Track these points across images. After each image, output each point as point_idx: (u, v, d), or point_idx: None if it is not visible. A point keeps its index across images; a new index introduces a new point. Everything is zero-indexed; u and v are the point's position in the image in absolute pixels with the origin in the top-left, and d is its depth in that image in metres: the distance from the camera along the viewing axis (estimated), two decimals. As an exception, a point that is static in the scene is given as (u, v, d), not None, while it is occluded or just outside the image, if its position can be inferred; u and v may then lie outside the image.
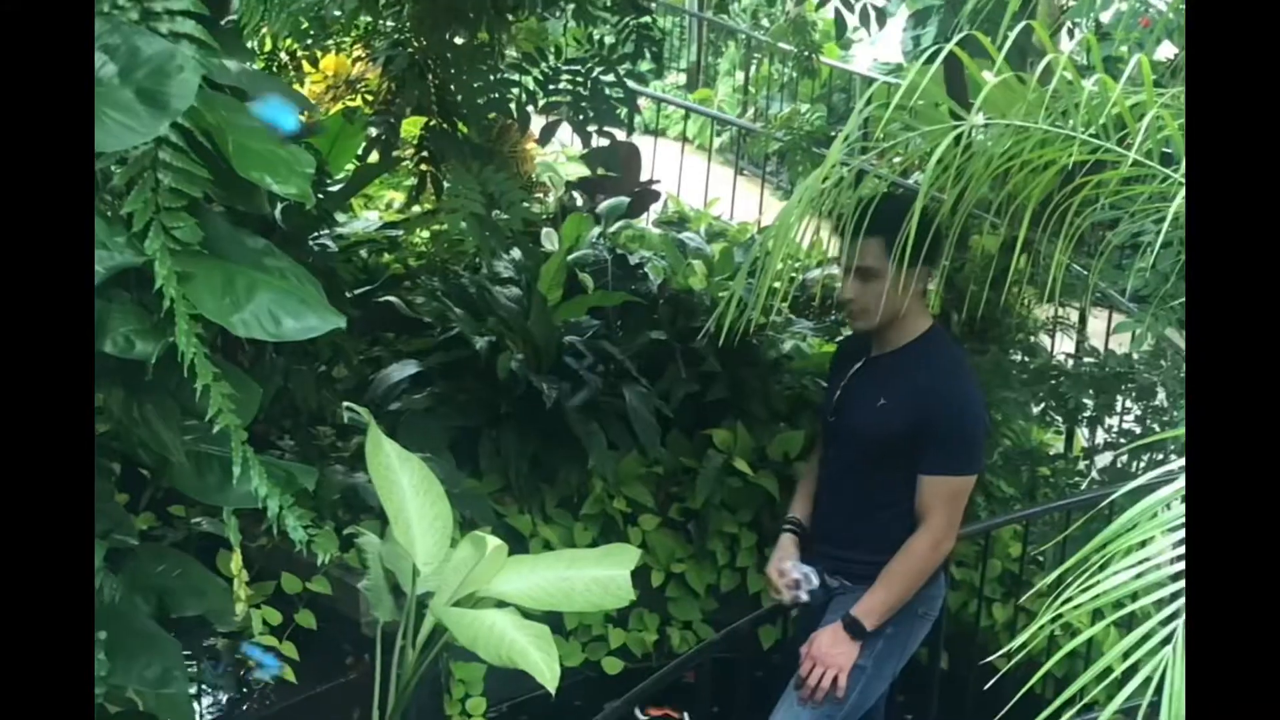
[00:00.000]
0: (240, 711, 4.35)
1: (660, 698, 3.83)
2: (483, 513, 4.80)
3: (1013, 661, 2.19)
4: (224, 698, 4.42)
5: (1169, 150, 2.37)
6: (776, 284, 3.65)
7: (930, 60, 2.37)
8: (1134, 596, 1.86)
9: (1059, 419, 5.86)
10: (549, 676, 2.96)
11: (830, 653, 3.43)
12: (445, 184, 4.97)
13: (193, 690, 4.18)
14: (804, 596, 3.63)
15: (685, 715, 4.87)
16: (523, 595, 3.26)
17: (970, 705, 4.61)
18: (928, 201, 2.63)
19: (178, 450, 2.40)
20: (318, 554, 2.48)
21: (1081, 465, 5.81)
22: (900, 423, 3.42)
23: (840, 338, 6.21)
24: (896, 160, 3.03)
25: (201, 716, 4.25)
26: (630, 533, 5.43)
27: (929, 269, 3.41)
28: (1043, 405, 5.67)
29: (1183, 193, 2.05)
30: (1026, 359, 5.97)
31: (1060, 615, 1.86)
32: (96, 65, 1.95)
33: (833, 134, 7.10)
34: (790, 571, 3.65)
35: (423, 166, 5.16)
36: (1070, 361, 6.02)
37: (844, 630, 3.44)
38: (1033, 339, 6.22)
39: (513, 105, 5.09)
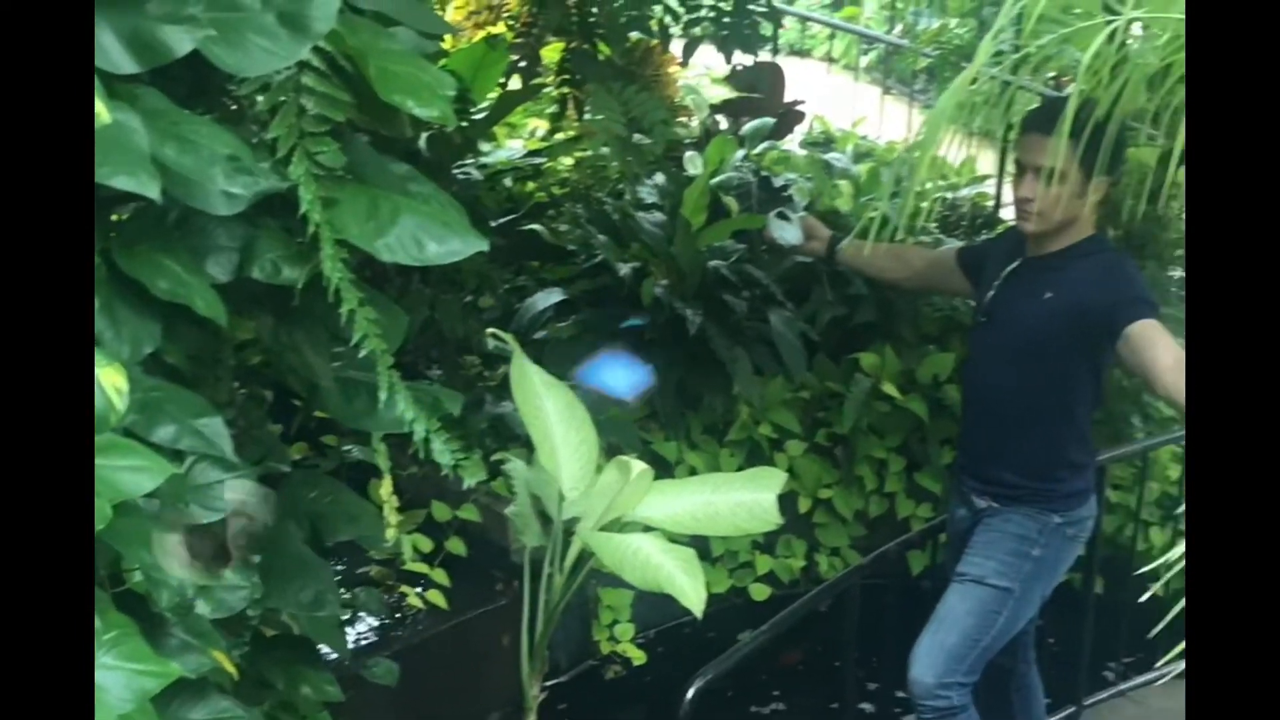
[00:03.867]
0: (391, 637, 4.42)
1: (802, 628, 3.81)
2: (628, 439, 4.80)
3: (1164, 580, 2.12)
4: (377, 623, 4.49)
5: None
6: (925, 203, 3.57)
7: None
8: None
9: (1219, 337, 5.68)
10: (695, 600, 2.94)
11: None
12: (586, 107, 4.95)
13: (345, 616, 4.25)
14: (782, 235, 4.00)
15: None
16: (668, 519, 3.24)
17: (1125, 630, 4.53)
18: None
19: (326, 375, 2.41)
20: (465, 478, 2.47)
21: (1243, 385, 5.64)
22: (1072, 306, 3.30)
23: (985, 238, 6.06)
24: (1050, 77, 2.93)
25: (354, 642, 4.33)
26: (777, 458, 5.40)
27: (1108, 178, 3.31)
28: (1203, 323, 5.50)
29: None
30: (1185, 275, 5.79)
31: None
32: (239, -10, 1.95)
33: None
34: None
35: (564, 90, 5.13)
36: (1232, 278, 5.82)
37: None
38: (1192, 255, 6.01)
39: (653, 24, 5.03)
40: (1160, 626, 2.19)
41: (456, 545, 4.68)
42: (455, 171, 5.26)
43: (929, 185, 3.03)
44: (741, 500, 3.31)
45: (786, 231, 4.29)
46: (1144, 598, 2.28)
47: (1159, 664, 4.15)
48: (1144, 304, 3.26)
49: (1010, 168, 3.76)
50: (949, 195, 6.73)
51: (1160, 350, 3.15)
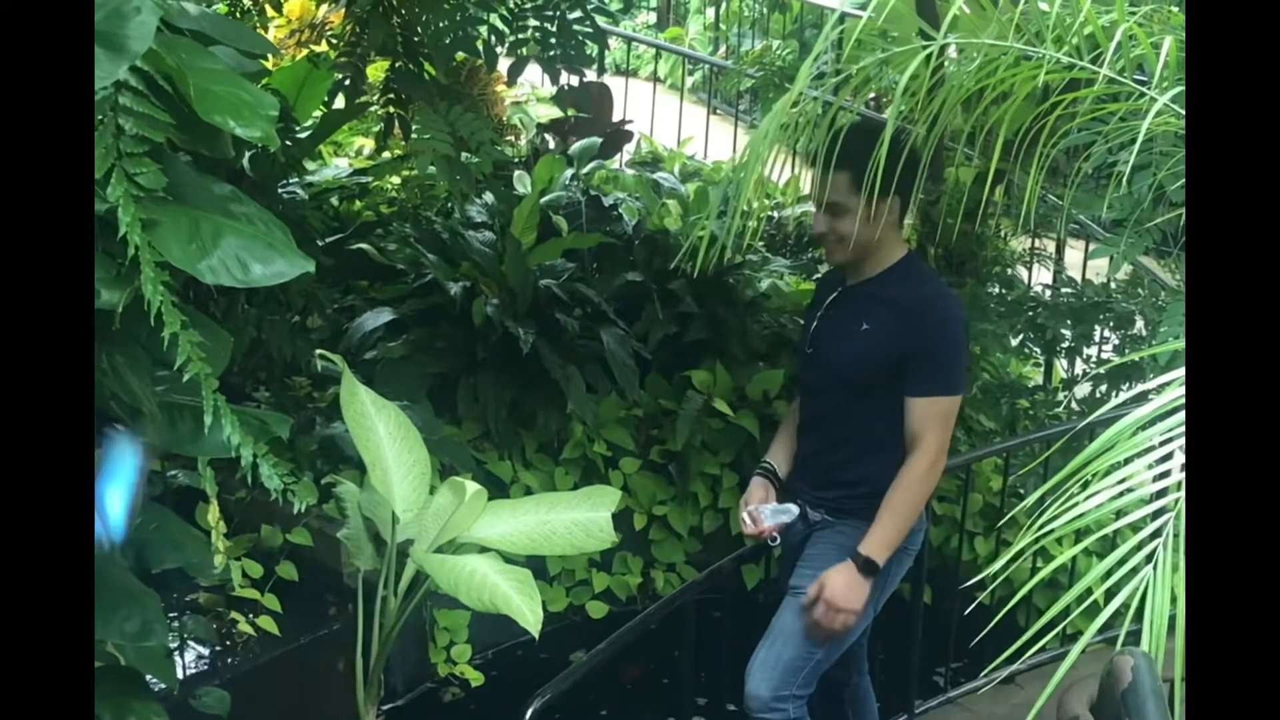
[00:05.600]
0: (224, 664, 4.33)
1: (638, 644, 3.83)
2: (462, 460, 4.78)
3: (990, 588, 2.18)
4: (207, 651, 4.39)
5: (1142, 77, 2.35)
6: (753, 222, 3.62)
7: (901, -14, 2.33)
8: (1117, 516, 1.86)
9: (1037, 351, 5.85)
10: (531, 620, 2.95)
11: (847, 595, 3.41)
12: (413, 126, 4.91)
13: (175, 644, 4.16)
14: (774, 539, 3.65)
15: None
16: (503, 540, 3.24)
17: (954, 638, 4.63)
18: (895, 129, 2.61)
19: (149, 400, 2.37)
20: (294, 503, 2.44)
21: (1061, 396, 5.81)
22: (883, 346, 3.40)
23: (818, 275, 6.20)
24: (871, 98, 3.00)
25: (185, 671, 4.23)
26: (611, 476, 5.42)
27: (900, 199, 3.38)
28: (1021, 337, 5.67)
29: (1154, 109, 2.03)
30: (1004, 291, 5.95)
31: (1039, 540, 1.85)
32: (50, 8, 1.91)
33: (806, 70, 7.03)
34: (758, 517, 3.66)
35: (390, 109, 5.10)
36: (1048, 293, 6.01)
37: (858, 571, 3.42)
38: (1009, 271, 6.20)
39: (479, 44, 5.01)
40: (984, 633, 2.26)
41: (288, 570, 4.60)
42: (280, 191, 5.19)
43: (755, 205, 3.07)
44: (577, 519, 3.33)
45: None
46: (970, 608, 2.34)
47: (986, 670, 4.28)
48: (937, 377, 3.41)
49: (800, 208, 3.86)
50: (775, 215, 6.83)
51: (928, 440, 3.39)
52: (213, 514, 2.84)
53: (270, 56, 5.04)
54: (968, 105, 2.69)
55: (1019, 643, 1.86)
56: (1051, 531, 1.84)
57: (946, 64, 2.68)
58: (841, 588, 3.40)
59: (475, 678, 5.06)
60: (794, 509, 3.62)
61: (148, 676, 2.93)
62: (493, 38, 5.09)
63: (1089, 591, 1.83)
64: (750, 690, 3.49)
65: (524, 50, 5.10)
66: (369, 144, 6.88)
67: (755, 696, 3.48)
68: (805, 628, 3.50)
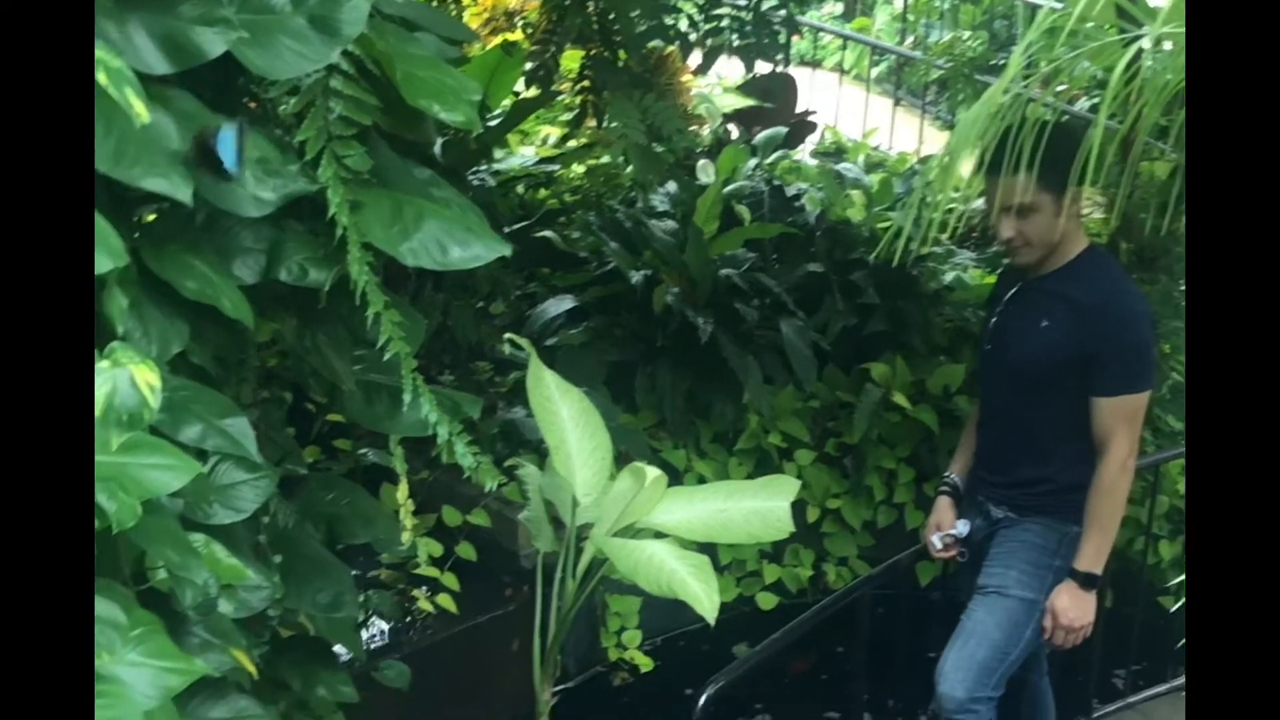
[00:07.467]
0: (403, 639, 4.43)
1: (812, 637, 3.81)
2: (638, 447, 4.81)
3: (1180, 601, 2.13)
4: (388, 626, 4.50)
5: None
6: (943, 214, 3.58)
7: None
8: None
9: (1230, 351, 5.68)
10: (708, 607, 2.95)
11: (1076, 612, 3.42)
12: (605, 114, 4.96)
13: (360, 618, 4.27)
14: (962, 554, 3.66)
15: None
16: (681, 526, 3.25)
17: (1135, 642, 4.53)
18: (1070, 121, 2.56)
19: (349, 378, 2.42)
20: (484, 481, 2.48)
21: (1253, 400, 5.63)
22: (1065, 343, 3.34)
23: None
24: (1061, 89, 2.94)
25: (365, 645, 4.34)
26: (785, 468, 5.41)
27: (1079, 189, 3.30)
28: (1213, 338, 5.49)
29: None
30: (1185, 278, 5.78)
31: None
32: (270, -7, 1.96)
33: (994, 61, 6.92)
34: (946, 535, 3.66)
35: (582, 97, 5.14)
36: (1242, 293, 5.83)
37: (1080, 588, 3.41)
38: (1203, 269, 6.02)
39: (672, 34, 5.03)
40: (1183, 642, 2.20)
41: (467, 550, 4.69)
42: (470, 177, 5.28)
43: (942, 196, 3.04)
44: (755, 508, 3.32)
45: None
46: (1173, 609, 2.28)
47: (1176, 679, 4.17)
48: (1122, 375, 3.34)
49: (983, 206, 3.78)
50: (960, 207, 6.74)
51: (1118, 440, 3.36)
52: (401, 492, 2.90)
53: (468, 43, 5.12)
54: (1168, 101, 2.62)
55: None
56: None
57: (1143, 55, 2.61)
58: (1069, 608, 3.41)
59: (645, 663, 5.10)
60: (967, 523, 3.67)
61: (335, 647, 3.01)
62: (686, 25, 5.10)
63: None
64: (945, 691, 3.46)
65: (710, 40, 5.11)
66: (555, 132, 6.94)
67: (950, 698, 3.45)
68: (1004, 628, 3.48)
